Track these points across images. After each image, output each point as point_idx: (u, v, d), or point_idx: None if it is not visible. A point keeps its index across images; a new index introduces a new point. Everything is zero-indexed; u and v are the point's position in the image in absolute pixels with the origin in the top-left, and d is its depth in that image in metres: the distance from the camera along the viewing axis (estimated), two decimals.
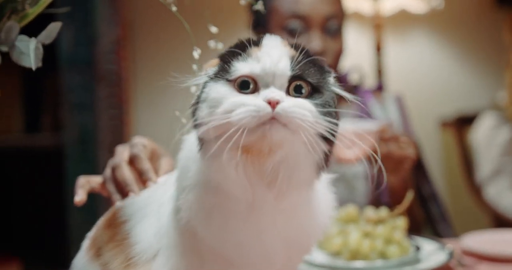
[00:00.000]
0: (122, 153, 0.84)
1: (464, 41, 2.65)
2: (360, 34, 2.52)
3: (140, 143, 0.85)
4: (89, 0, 2.03)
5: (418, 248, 1.08)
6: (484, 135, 2.32)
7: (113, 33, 2.19)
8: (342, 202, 1.43)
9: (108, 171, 0.83)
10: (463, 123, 2.51)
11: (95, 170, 2.14)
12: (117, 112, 2.19)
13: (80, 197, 0.83)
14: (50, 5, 0.74)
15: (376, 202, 1.45)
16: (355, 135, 1.23)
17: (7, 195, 2.24)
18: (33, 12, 0.70)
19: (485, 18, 2.67)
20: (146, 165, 0.82)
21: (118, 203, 0.76)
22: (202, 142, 0.61)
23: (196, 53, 0.70)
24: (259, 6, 0.76)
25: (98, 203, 2.12)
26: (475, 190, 2.35)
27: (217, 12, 0.72)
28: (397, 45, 2.58)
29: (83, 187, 0.84)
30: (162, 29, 2.35)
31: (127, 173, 0.81)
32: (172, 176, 0.72)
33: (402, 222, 1.09)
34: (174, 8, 0.71)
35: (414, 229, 1.29)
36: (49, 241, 2.30)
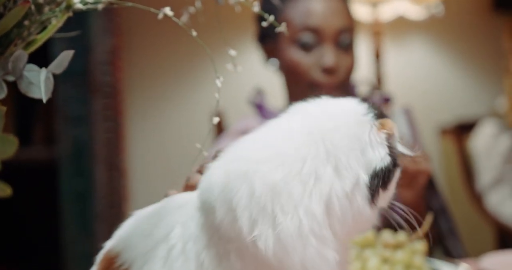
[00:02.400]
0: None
1: (463, 47, 2.63)
2: (358, 41, 2.49)
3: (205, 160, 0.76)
4: (82, 10, 1.97)
5: None
6: (485, 143, 2.30)
7: (108, 43, 2.15)
8: None
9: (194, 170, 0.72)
10: (462, 130, 2.49)
11: (89, 183, 2.09)
12: (112, 125, 2.15)
13: None
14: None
15: (388, 218, 1.41)
16: None
17: (1, 208, 2.18)
18: (41, 38, 0.65)
19: (484, 24, 2.65)
20: None
21: (113, 243, 0.64)
22: None
23: (219, 82, 0.65)
24: (282, 28, 0.71)
25: (92, 217, 2.07)
26: (476, 198, 2.33)
27: (222, 24, 0.67)
28: (396, 52, 2.55)
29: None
30: (158, 39, 2.29)
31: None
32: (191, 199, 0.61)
33: (421, 246, 1.05)
34: (194, 33, 0.66)
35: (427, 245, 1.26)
36: (42, 255, 2.25)
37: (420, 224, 1.08)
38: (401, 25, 2.47)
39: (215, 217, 0.56)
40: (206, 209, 0.58)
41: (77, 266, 1.92)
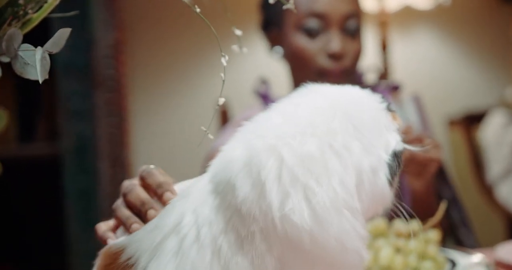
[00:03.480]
0: (131, 180, 0.72)
1: (471, 37, 2.60)
2: (365, 31, 2.46)
3: (148, 166, 0.72)
4: (85, 3, 1.95)
5: (454, 263, 1.01)
6: (494, 133, 2.28)
7: (110, 37, 2.13)
8: None
9: (118, 201, 0.71)
10: (471, 121, 2.47)
11: (93, 180, 2.07)
12: (116, 119, 2.12)
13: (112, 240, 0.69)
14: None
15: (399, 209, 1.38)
16: None
17: (3, 206, 2.16)
18: (37, 17, 0.62)
19: (492, 14, 2.62)
20: (159, 178, 0.68)
21: (120, 240, 0.61)
22: None
23: (224, 60, 0.62)
24: (290, 5, 0.68)
25: (95, 214, 2.05)
26: (486, 189, 2.30)
27: (226, 12, 0.65)
28: (402, 43, 2.52)
29: (107, 231, 0.71)
30: (161, 32, 2.27)
31: (141, 193, 0.68)
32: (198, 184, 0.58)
33: (435, 235, 1.02)
34: (197, 9, 0.63)
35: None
36: (46, 252, 2.22)
37: (432, 213, 1.06)
38: (408, 15, 2.44)
39: (235, 196, 0.53)
40: (223, 189, 0.55)
41: (81, 263, 1.90)
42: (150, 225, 0.59)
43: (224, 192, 0.55)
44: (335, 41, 1.26)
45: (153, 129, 2.28)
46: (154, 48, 2.31)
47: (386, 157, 0.58)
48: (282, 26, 1.32)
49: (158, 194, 0.66)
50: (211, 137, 0.64)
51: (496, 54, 2.60)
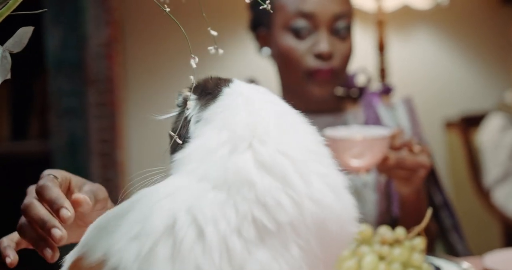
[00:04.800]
0: (31, 191, 0.68)
1: (470, 38, 2.57)
2: (361, 31, 2.44)
3: (47, 174, 0.68)
4: (77, 0, 1.93)
5: None
6: (492, 137, 2.25)
7: (103, 35, 2.10)
8: None
9: (21, 219, 0.66)
10: (469, 124, 2.44)
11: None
12: (107, 118, 2.10)
13: (12, 257, 0.67)
14: (23, 6, 0.63)
15: (386, 214, 1.36)
16: (364, 143, 1.14)
17: None
18: (2, 13, 0.60)
19: (492, 15, 2.59)
20: (54, 192, 0.64)
21: (84, 250, 0.57)
22: None
23: (193, 62, 0.60)
24: (266, 5, 0.66)
25: None
26: (483, 193, 2.28)
27: (216, 11, 0.64)
28: (400, 43, 2.49)
29: (9, 247, 0.68)
30: (155, 29, 2.24)
31: (40, 210, 0.64)
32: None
33: (420, 243, 1.00)
34: (167, 9, 0.61)
35: (426, 241, 1.21)
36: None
37: (422, 220, 1.03)
38: (406, 15, 2.42)
39: (255, 189, 0.54)
40: (231, 185, 0.54)
41: None
42: (129, 232, 0.53)
43: (233, 187, 0.54)
44: (323, 42, 1.24)
45: (146, 128, 2.25)
46: (148, 46, 2.29)
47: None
48: (270, 26, 1.29)
49: (54, 209, 0.63)
50: (179, 141, 0.62)
51: (495, 56, 2.57)
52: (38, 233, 0.64)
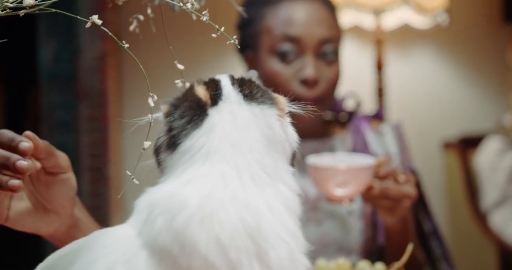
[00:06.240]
0: None
1: (469, 59, 2.55)
2: (360, 49, 2.41)
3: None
4: (72, 13, 1.92)
5: None
6: (489, 160, 2.22)
7: (97, 48, 2.09)
8: (336, 240, 1.32)
9: None
10: (467, 145, 2.41)
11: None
12: (99, 132, 2.08)
13: None
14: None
15: (372, 242, 1.33)
16: (348, 172, 1.11)
17: None
18: None
19: (492, 36, 2.57)
20: (9, 133, 0.66)
21: None
22: None
23: (151, 100, 0.59)
24: (234, 40, 0.64)
25: None
26: (480, 216, 2.24)
27: (205, 31, 0.64)
28: (399, 62, 2.47)
29: None
30: (150, 43, 2.22)
31: (1, 150, 0.65)
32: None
33: None
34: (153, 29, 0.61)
35: None
36: (25, 258, 2.20)
37: (405, 249, 1.00)
38: (405, 34, 2.39)
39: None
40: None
41: None
42: None
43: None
44: (309, 67, 1.21)
45: (139, 142, 2.23)
46: (143, 59, 2.27)
47: None
48: (256, 49, 1.27)
49: (13, 146, 0.65)
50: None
51: (495, 77, 2.55)
52: (2, 173, 0.65)
